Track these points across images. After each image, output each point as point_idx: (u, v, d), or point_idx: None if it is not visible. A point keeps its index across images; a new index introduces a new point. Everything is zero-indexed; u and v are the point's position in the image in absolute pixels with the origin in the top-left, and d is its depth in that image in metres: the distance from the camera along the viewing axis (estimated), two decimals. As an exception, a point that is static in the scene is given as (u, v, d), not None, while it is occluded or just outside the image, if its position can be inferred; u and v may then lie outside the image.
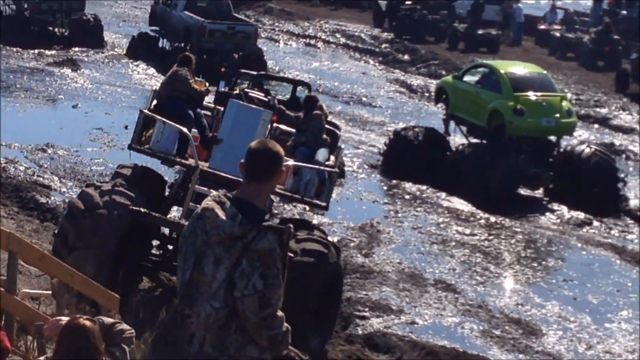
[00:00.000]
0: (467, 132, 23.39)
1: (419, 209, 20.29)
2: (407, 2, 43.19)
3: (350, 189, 21.15)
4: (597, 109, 31.10)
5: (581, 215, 20.66)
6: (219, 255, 5.03)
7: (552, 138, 22.48)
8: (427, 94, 31.42)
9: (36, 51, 32.38)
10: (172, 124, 13.27)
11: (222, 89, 15.99)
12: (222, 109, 14.27)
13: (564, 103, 22.52)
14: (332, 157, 14.15)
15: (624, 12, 43.14)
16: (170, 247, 13.60)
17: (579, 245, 19.17)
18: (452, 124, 23.67)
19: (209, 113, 14.55)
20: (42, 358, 7.23)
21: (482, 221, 19.80)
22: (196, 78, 14.34)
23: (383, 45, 40.58)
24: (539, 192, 22.08)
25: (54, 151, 21.03)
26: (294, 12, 47.25)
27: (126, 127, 21.41)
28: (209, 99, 15.21)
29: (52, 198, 17.82)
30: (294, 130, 14.34)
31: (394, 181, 21.91)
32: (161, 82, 14.78)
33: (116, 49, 34.55)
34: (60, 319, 5.88)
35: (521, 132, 21.78)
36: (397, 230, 18.80)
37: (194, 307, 5.11)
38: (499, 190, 20.70)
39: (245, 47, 31.77)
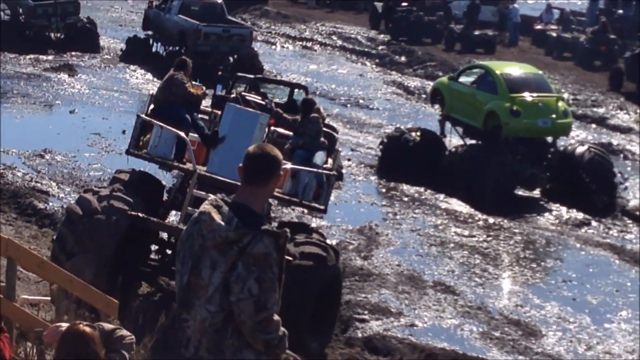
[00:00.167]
0: (463, 133, 23.39)
1: (417, 210, 20.27)
2: (403, 4, 43.19)
3: (348, 191, 21.13)
4: (595, 109, 31.07)
5: (580, 215, 20.65)
6: (215, 259, 5.04)
7: (549, 139, 22.48)
8: (424, 96, 31.37)
9: (33, 57, 32.35)
10: (170, 128, 13.24)
11: (219, 93, 15.99)
12: (219, 112, 14.25)
13: (560, 103, 22.52)
14: (330, 160, 14.14)
15: (620, 11, 43.13)
16: (169, 252, 13.58)
17: (578, 245, 19.15)
18: (447, 125, 23.66)
19: (206, 117, 14.54)
20: (41, 364, 7.22)
21: (481, 222, 19.79)
22: (193, 82, 14.31)
23: (380, 47, 40.56)
24: (537, 193, 22.08)
25: (51, 157, 21.01)
26: (290, 15, 47.25)
27: (124, 132, 21.39)
28: (206, 103, 15.20)
29: (50, 204, 17.79)
30: (291, 133, 14.32)
31: (392, 183, 21.89)
32: (158, 87, 14.76)
33: (112, 54, 34.54)
34: (59, 325, 5.84)
35: (517, 133, 21.75)
36: (396, 232, 18.79)
37: (191, 311, 5.12)
38: (495, 191, 20.69)
39: (240, 49, 31.77)
